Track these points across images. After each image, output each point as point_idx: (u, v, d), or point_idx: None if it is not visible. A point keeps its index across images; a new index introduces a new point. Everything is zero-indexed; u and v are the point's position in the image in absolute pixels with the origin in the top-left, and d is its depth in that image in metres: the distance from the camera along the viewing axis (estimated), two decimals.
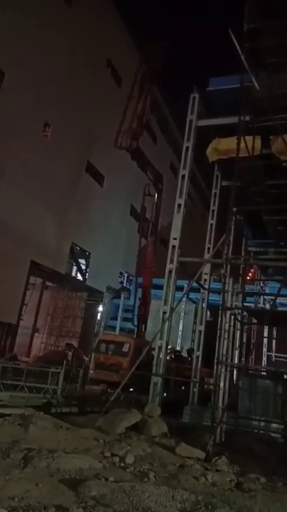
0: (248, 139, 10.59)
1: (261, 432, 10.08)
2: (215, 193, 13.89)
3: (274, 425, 10.24)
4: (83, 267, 24.17)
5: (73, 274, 24.27)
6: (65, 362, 12.65)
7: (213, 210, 13.80)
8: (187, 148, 11.91)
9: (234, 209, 9.73)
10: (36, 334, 22.93)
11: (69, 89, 20.32)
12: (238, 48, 9.97)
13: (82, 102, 21.41)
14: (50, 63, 18.96)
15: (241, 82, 10.06)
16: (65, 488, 4.44)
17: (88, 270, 23.94)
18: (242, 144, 10.01)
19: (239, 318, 12.13)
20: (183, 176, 11.67)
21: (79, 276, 24.14)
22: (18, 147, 17.31)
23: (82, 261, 24.20)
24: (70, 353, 17.39)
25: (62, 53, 19.83)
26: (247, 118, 10.44)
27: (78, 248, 23.03)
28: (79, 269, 24.17)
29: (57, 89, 19.31)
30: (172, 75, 29.97)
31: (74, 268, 24.29)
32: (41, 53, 18.39)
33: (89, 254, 23.79)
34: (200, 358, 12.59)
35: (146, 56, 18.46)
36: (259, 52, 10.20)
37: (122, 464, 5.75)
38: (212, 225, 13.72)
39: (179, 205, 11.48)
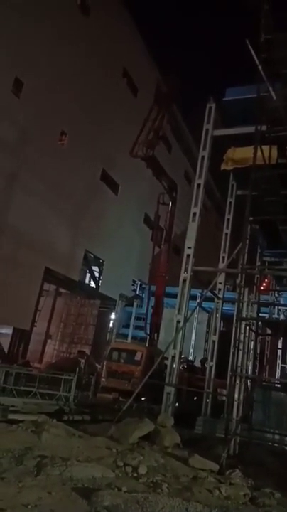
0: (265, 148, 10.56)
1: (275, 444, 9.90)
2: (230, 202, 13.84)
3: None
4: (96, 275, 24.26)
5: (86, 281, 24.37)
6: (77, 369, 12.65)
7: (228, 219, 13.74)
8: (203, 157, 11.91)
9: (250, 218, 9.67)
10: (49, 341, 23.04)
11: (86, 98, 20.60)
12: (255, 58, 9.99)
13: (98, 110, 21.67)
14: (67, 72, 19.29)
15: (258, 92, 10.06)
16: (77, 496, 4.41)
17: (101, 277, 24.02)
18: (258, 153, 9.98)
19: (254, 329, 11.99)
20: (199, 185, 11.66)
21: (93, 284, 24.23)
22: (34, 155, 17.58)
23: (96, 268, 24.30)
24: (83, 361, 17.40)
25: (79, 63, 20.15)
26: (263, 128, 10.41)
27: (92, 255, 23.15)
28: (93, 277, 24.26)
29: (73, 98, 19.60)
30: (187, 84, 30.14)
31: (88, 275, 24.39)
32: (58, 63, 18.73)
33: (103, 261, 23.88)
34: (213, 369, 12.46)
35: (164, 77, 18.88)
36: (275, 63, 10.21)
37: (135, 474, 5.70)
38: (226, 234, 13.65)
39: (194, 214, 11.46)
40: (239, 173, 12.38)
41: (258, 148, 10.02)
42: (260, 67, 9.90)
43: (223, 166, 12.23)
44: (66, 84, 19.15)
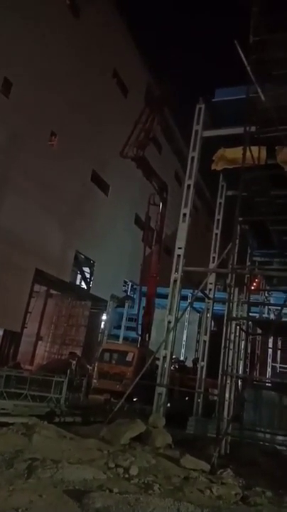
0: (254, 149, 10.64)
1: (267, 444, 9.96)
2: (220, 203, 13.90)
3: (279, 437, 10.11)
4: (87, 276, 24.19)
5: (77, 282, 24.29)
6: (68, 371, 12.59)
7: (218, 220, 13.79)
8: (193, 158, 11.94)
9: (240, 219, 9.73)
10: (40, 342, 22.90)
11: (76, 99, 20.56)
12: (244, 59, 10.07)
13: (88, 111, 21.64)
14: (57, 73, 19.23)
15: (247, 93, 10.14)
16: (69, 499, 4.39)
17: (92, 279, 23.96)
18: (247, 154, 10.05)
19: (244, 329, 12.06)
20: (189, 186, 11.69)
21: (84, 285, 24.16)
22: (24, 156, 17.49)
23: (87, 269, 24.23)
24: (74, 362, 17.33)
25: (68, 63, 20.11)
26: (253, 128, 10.49)
27: (82, 256, 23.09)
28: (84, 278, 24.20)
29: (63, 98, 19.54)
30: (177, 85, 30.22)
31: (79, 276, 24.32)
32: (48, 63, 18.67)
33: (94, 262, 23.83)
34: (205, 369, 12.50)
35: (154, 78, 18.98)
36: (265, 64, 10.30)
37: (126, 476, 5.68)
38: (217, 234, 13.70)
39: (184, 215, 11.48)
40: (228, 173, 12.45)
41: (248, 149, 10.11)
42: (249, 69, 9.98)
43: (213, 167, 12.28)
44: (56, 85, 19.08)
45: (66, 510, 4.06)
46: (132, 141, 16.49)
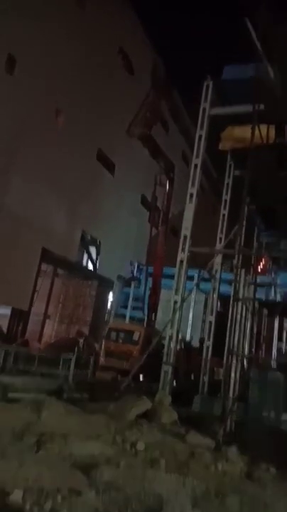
0: (263, 127, 10.46)
1: (271, 423, 10.11)
2: (228, 183, 13.76)
3: (284, 417, 10.25)
4: (94, 256, 24.26)
5: (84, 262, 24.39)
6: (76, 349, 12.79)
7: (225, 200, 13.67)
8: (200, 136, 11.75)
9: (247, 199, 9.64)
10: (47, 321, 23.18)
11: (81, 77, 20.19)
12: (254, 36, 9.78)
13: (94, 89, 21.28)
14: (62, 50, 18.84)
15: (256, 71, 9.90)
16: (77, 472, 4.51)
17: (98, 259, 24.02)
18: (256, 133, 9.89)
19: (250, 309, 12.11)
20: (196, 166, 11.55)
21: (90, 265, 24.25)
22: (29, 135, 17.34)
23: (93, 249, 24.28)
24: (81, 341, 17.57)
25: (74, 41, 19.66)
26: (261, 106, 10.28)
27: (89, 236, 23.11)
28: (90, 258, 24.27)
29: (68, 76, 19.21)
30: (184, 62, 29.58)
31: (85, 256, 24.40)
32: (52, 41, 18.27)
33: (100, 242, 23.84)
34: (210, 348, 12.63)
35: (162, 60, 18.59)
36: (275, 41, 10.01)
37: (133, 451, 5.82)
38: (224, 215, 13.61)
39: (191, 195, 11.39)
40: (236, 153, 12.28)
41: (256, 127, 9.93)
42: (258, 45, 9.71)
43: (221, 146, 12.12)
44: (60, 63, 18.71)
45: (74, 482, 4.17)
46: (139, 119, 16.25)
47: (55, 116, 19.57)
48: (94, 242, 23.80)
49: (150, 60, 27.91)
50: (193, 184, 11.46)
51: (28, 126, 17.22)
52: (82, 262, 24.02)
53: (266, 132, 10.63)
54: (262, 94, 9.96)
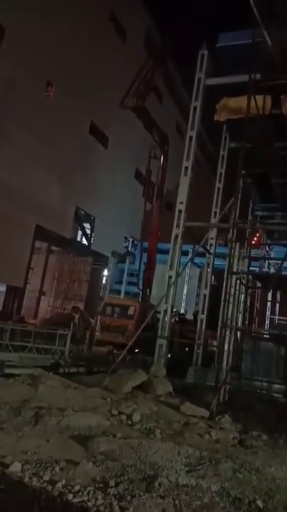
0: (259, 98, 10.23)
1: (263, 392, 10.37)
2: (223, 155, 13.57)
3: (276, 386, 10.51)
4: (88, 232, 24.15)
5: (78, 238, 24.29)
6: (71, 324, 12.88)
7: (221, 173, 13.53)
8: (195, 108, 11.51)
9: (243, 172, 9.53)
10: (43, 297, 23.30)
11: (72, 45, 19.48)
12: None
13: (86, 59, 20.60)
14: (51, 18, 18.09)
15: (253, 37, 9.58)
16: (74, 443, 4.62)
17: (93, 235, 23.93)
18: (252, 104, 9.67)
19: (244, 282, 12.19)
20: (191, 138, 11.35)
21: (84, 241, 24.17)
22: (20, 107, 16.87)
23: (87, 225, 24.14)
24: (77, 316, 17.69)
25: (63, 6, 18.87)
26: (258, 76, 10.02)
27: (83, 212, 22.91)
28: (84, 234, 24.16)
29: (58, 45, 18.52)
30: (179, 29, 28.61)
31: (79, 232, 24.28)
32: (42, 7, 17.52)
33: (94, 218, 23.69)
34: (205, 321, 12.78)
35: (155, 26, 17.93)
36: (272, 4, 9.64)
37: (129, 422, 5.96)
38: (219, 188, 13.49)
39: (186, 168, 11.25)
40: (232, 124, 12.06)
41: (252, 98, 9.70)
42: (255, 9, 9.35)
43: (216, 117, 11.88)
44: (50, 31, 18.00)
45: (72, 453, 4.27)
46: (132, 91, 15.85)
47: (45, 87, 19.01)
48: (88, 217, 23.63)
49: (143, 25, 26.98)
50: (188, 157, 11.30)
51: (17, 99, 16.73)
52: (76, 239, 23.92)
53: (262, 103, 10.40)
54: (259, 62, 9.68)
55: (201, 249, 12.95)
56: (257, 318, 21.43)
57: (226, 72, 11.61)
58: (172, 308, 11.01)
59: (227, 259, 9.85)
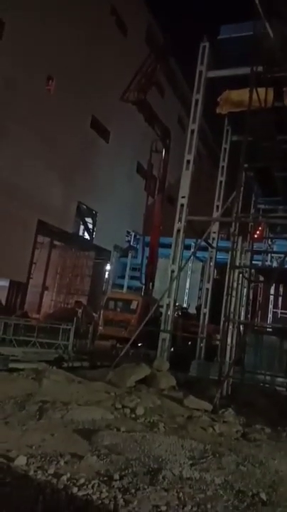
0: (261, 91, 10.16)
1: (267, 385, 10.40)
2: (225, 149, 13.51)
3: (279, 379, 10.53)
4: (90, 226, 24.14)
5: (80, 233, 24.29)
6: (75, 319, 12.91)
7: (223, 167, 13.47)
8: (197, 101, 11.44)
9: (245, 165, 9.49)
10: (46, 292, 23.35)
11: (73, 40, 19.37)
12: None
13: (86, 53, 20.49)
14: (52, 12, 17.96)
15: (254, 29, 9.50)
16: (79, 437, 4.65)
17: (95, 229, 23.92)
18: (254, 96, 9.61)
19: (247, 276, 12.18)
20: (192, 131, 11.29)
21: (87, 236, 24.18)
22: (20, 103, 16.82)
23: (89, 220, 24.13)
24: (80, 310, 17.74)
25: (63, 1, 18.72)
26: (260, 68, 9.94)
27: (85, 207, 22.89)
28: (86, 228, 24.15)
29: (59, 39, 18.41)
30: (179, 22, 28.36)
31: (81, 227, 24.27)
32: (42, 2, 17.39)
33: (96, 213, 23.67)
34: (207, 315, 12.80)
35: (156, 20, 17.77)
36: None
37: (133, 416, 5.99)
38: (221, 182, 13.44)
39: (188, 162, 11.20)
40: (234, 117, 12.00)
41: (254, 90, 9.64)
42: (257, 1, 9.26)
43: (218, 110, 11.82)
44: (50, 26, 17.88)
45: (76, 447, 4.31)
46: (134, 85, 15.76)
47: (46, 82, 18.92)
48: (90, 212, 23.61)
49: (144, 19, 26.76)
50: (190, 151, 11.25)
51: (19, 94, 16.67)
52: (78, 233, 23.92)
53: (264, 96, 10.33)
54: (260, 54, 9.61)
55: (203, 243, 12.93)
56: (260, 312, 21.40)
57: (227, 64, 11.52)
58: (174, 302, 11.02)
59: (230, 253, 9.84)
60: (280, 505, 3.51)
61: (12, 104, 16.49)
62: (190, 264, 20.91)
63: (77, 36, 19.66)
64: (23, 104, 16.90)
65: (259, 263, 17.65)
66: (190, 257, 13.59)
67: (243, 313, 13.11)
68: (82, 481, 3.41)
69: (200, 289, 20.93)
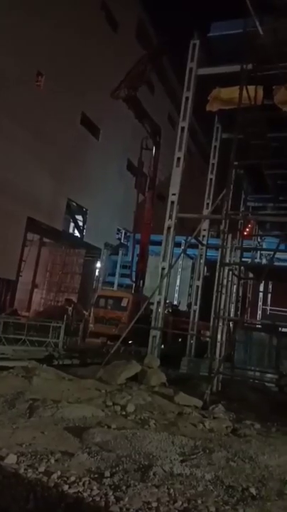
0: (251, 88, 10.20)
1: (256, 381, 10.49)
2: (215, 146, 13.54)
3: (268, 375, 10.64)
4: (80, 224, 24.05)
5: (70, 230, 24.19)
6: (65, 316, 12.89)
7: (213, 164, 13.50)
8: (187, 98, 11.41)
9: (235, 163, 9.52)
10: (36, 290, 23.25)
11: (62, 35, 19.20)
12: None
13: (76, 49, 20.31)
14: (41, 6, 17.78)
15: (244, 27, 9.52)
16: (69, 435, 4.64)
17: (85, 227, 23.84)
18: (244, 94, 9.64)
19: (237, 273, 12.26)
20: (183, 128, 11.28)
21: (77, 233, 24.08)
22: (9, 98, 16.64)
23: (79, 217, 24.03)
24: (70, 308, 17.69)
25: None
26: (250, 66, 9.97)
27: (75, 204, 22.78)
28: (77, 226, 24.06)
29: (48, 35, 18.24)
30: (170, 19, 28.30)
31: (72, 224, 24.17)
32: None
33: (86, 210, 23.57)
34: (197, 312, 12.85)
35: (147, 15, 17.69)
36: None
37: (123, 413, 5.99)
38: (211, 179, 13.47)
39: (178, 159, 11.19)
40: (224, 115, 12.02)
41: (244, 88, 9.67)
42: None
43: (208, 107, 11.81)
44: (40, 21, 17.69)
45: (67, 445, 4.29)
46: (124, 82, 15.70)
47: (35, 77, 18.74)
48: (80, 209, 23.51)
49: (135, 15, 26.63)
50: (180, 148, 11.23)
51: (8, 90, 16.48)
52: (68, 231, 23.81)
53: (254, 93, 10.37)
54: (250, 52, 9.63)
55: (193, 241, 12.96)
56: (249, 309, 21.62)
57: (218, 62, 11.52)
58: (165, 299, 11.04)
59: (220, 250, 9.89)
60: (269, 500, 3.55)
61: (3, 99, 16.31)
62: (180, 262, 20.98)
63: (67, 31, 19.49)
64: (12, 99, 16.73)
65: (249, 260, 17.78)
66: (181, 254, 13.61)
67: (233, 310, 13.22)
68: (72, 478, 3.40)
69: (190, 286, 21.05)
